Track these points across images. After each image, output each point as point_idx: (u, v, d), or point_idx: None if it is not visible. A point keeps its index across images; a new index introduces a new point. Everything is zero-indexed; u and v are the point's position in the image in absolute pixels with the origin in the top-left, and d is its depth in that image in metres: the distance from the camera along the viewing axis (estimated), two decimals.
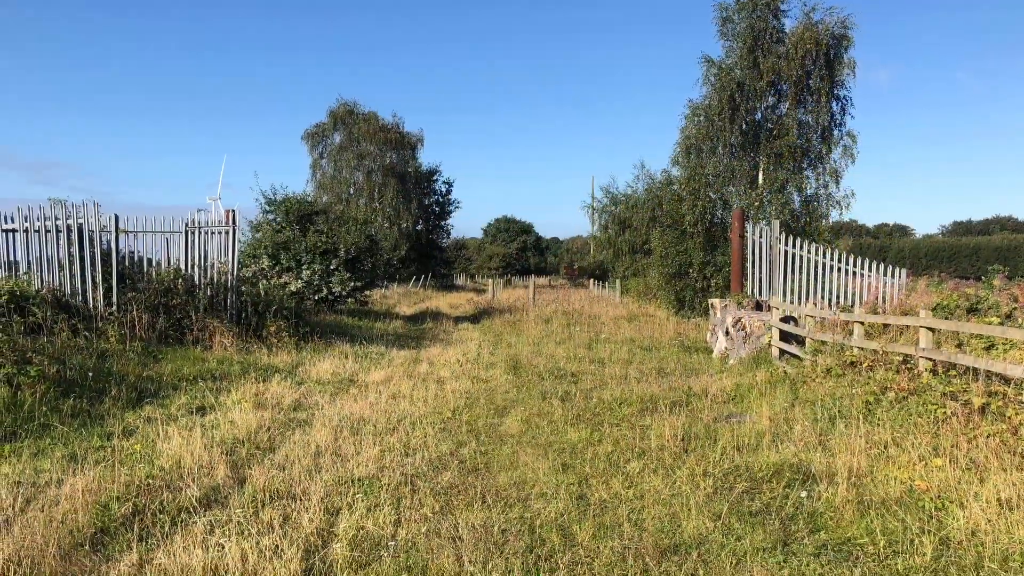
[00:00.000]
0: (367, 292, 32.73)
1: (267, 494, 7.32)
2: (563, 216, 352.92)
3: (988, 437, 7.73)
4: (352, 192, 65.90)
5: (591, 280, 60.01)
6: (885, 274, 19.99)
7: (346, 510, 6.91)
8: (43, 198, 21.61)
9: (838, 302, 19.65)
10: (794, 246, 20.83)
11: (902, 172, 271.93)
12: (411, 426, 10.45)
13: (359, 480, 7.89)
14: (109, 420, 10.24)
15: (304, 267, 27.62)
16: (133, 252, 18.27)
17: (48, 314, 14.73)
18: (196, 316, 16.96)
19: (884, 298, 19.34)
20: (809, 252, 20.67)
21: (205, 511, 6.83)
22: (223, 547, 5.83)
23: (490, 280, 62.12)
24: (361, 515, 6.73)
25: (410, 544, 6.21)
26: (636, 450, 9.13)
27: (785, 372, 13.47)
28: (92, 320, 15.55)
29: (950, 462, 7.42)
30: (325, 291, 27.87)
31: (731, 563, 5.90)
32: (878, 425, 8.97)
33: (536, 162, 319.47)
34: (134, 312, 15.93)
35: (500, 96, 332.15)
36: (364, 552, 6.02)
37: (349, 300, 29.96)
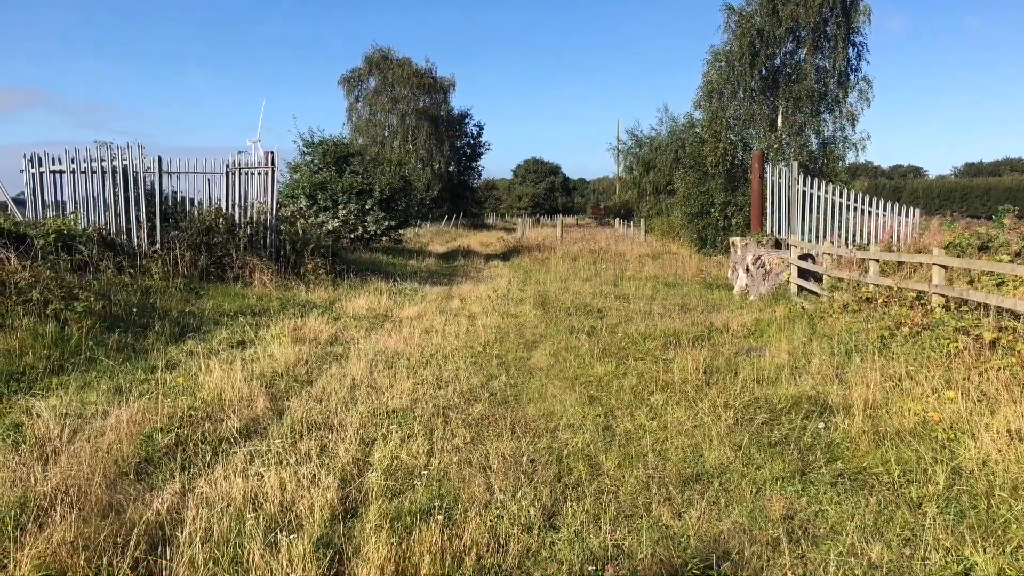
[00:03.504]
0: (401, 231, 32.66)
1: (305, 425, 7.30)
2: (590, 158, 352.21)
3: (998, 370, 7.70)
4: (386, 135, 65.45)
5: (616, 220, 59.59)
6: (899, 214, 19.75)
7: (381, 441, 6.86)
8: (89, 140, 21.61)
9: (854, 241, 19.42)
10: (812, 187, 20.55)
11: (916, 115, 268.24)
12: (443, 360, 10.40)
13: (393, 412, 7.84)
14: (153, 354, 10.27)
15: (340, 207, 27.60)
16: (176, 192, 18.33)
17: (94, 252, 14.79)
18: (236, 254, 16.97)
19: (898, 237, 19.15)
20: (826, 192, 20.40)
21: (245, 441, 6.81)
22: (262, 476, 5.80)
23: (519, 219, 61.90)
24: (395, 445, 6.68)
25: (442, 473, 6.16)
26: (660, 383, 9.03)
27: (803, 308, 13.31)
28: (136, 258, 15.60)
29: (962, 394, 7.34)
30: (360, 230, 27.89)
31: (751, 491, 5.82)
32: (893, 359, 8.86)
33: (564, 106, 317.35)
34: (177, 250, 15.97)
35: (530, 42, 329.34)
36: (398, 481, 5.97)
37: (383, 238, 29.97)
